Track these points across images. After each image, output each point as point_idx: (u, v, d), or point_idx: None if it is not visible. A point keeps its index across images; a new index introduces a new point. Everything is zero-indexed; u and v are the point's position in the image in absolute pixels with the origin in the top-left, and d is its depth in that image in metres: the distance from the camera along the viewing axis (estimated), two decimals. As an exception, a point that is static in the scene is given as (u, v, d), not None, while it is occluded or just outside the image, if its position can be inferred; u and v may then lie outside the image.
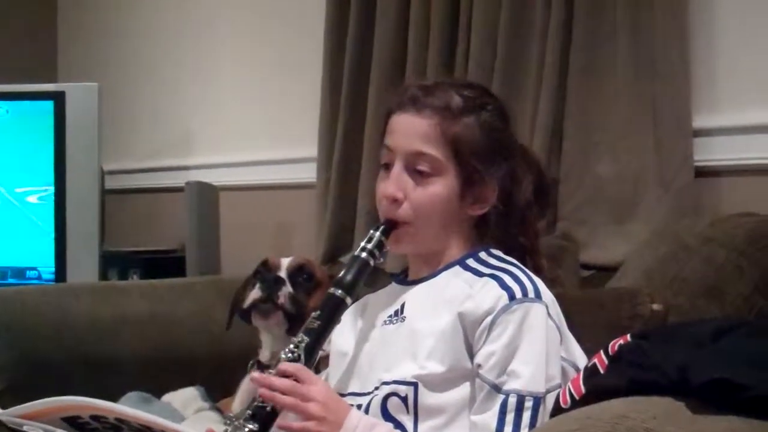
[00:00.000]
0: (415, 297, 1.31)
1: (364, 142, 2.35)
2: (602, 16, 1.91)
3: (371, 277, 1.32)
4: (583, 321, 1.37)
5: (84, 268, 2.68)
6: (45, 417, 1.20)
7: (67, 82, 2.96)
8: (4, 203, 2.80)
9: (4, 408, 1.23)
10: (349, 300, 1.28)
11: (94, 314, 2.05)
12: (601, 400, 1.03)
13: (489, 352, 1.19)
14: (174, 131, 3.23)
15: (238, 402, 1.77)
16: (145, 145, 3.34)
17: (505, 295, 1.21)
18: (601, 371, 1.13)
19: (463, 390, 1.22)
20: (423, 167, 1.28)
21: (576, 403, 1.12)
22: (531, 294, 1.22)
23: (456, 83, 1.35)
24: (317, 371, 1.29)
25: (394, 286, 1.37)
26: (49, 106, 2.73)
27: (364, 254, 1.28)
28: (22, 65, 3.50)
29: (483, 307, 1.21)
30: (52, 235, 2.72)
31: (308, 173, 2.55)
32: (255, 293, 1.72)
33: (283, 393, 1.17)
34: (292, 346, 1.23)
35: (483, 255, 1.30)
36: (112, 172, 3.12)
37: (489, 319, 1.20)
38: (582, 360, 1.26)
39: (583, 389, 1.13)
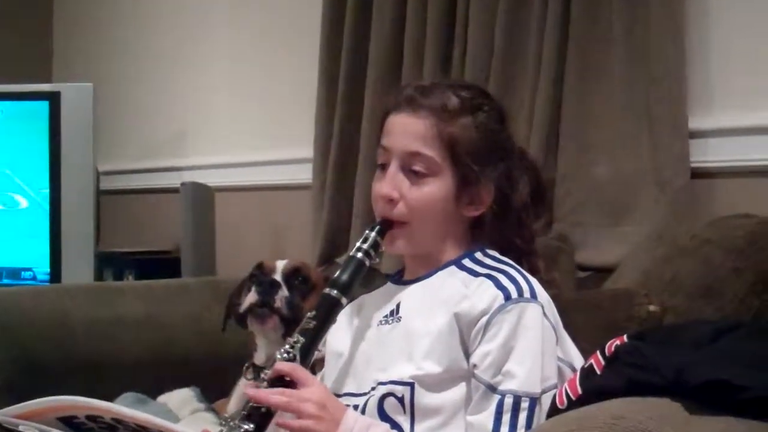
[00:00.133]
0: (410, 297, 1.31)
1: (360, 142, 2.34)
2: (598, 17, 1.91)
3: (367, 278, 1.32)
4: (580, 322, 1.37)
5: (79, 269, 2.67)
6: (41, 417, 1.19)
7: (62, 83, 2.95)
8: (-2, 203, 2.80)
9: (-1, 408, 1.23)
10: (344, 300, 1.27)
11: (89, 315, 2.04)
12: (598, 400, 1.03)
13: (484, 352, 1.19)
14: (169, 132, 3.23)
15: (233, 403, 1.76)
16: (140, 145, 3.34)
17: (500, 295, 1.21)
18: (598, 372, 1.13)
19: (460, 390, 1.22)
20: (419, 167, 1.28)
21: (572, 404, 1.12)
22: (527, 294, 1.22)
23: (453, 84, 1.36)
24: (313, 373, 1.28)
25: (389, 286, 1.37)
26: (44, 106, 2.73)
27: (359, 254, 1.28)
28: (17, 65, 3.49)
29: (479, 307, 1.21)
30: (47, 236, 2.72)
31: (304, 174, 2.54)
32: (251, 297, 1.71)
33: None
34: (287, 346, 1.23)
35: (478, 255, 1.30)
36: (107, 173, 3.11)
37: (485, 319, 1.20)
38: (578, 360, 1.26)
39: (579, 390, 1.13)
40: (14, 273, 2.80)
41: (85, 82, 2.79)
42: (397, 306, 1.31)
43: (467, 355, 1.22)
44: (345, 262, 1.30)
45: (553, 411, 1.15)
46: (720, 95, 1.81)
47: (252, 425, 1.15)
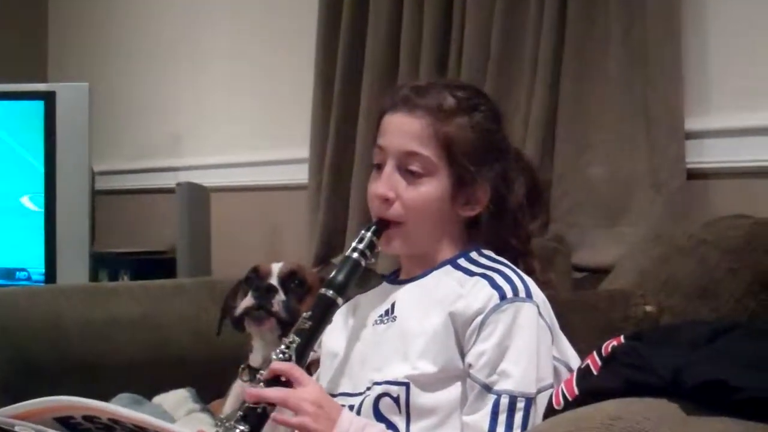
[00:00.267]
0: (405, 296, 1.31)
1: (356, 143, 2.34)
2: (595, 18, 1.91)
3: (362, 278, 1.32)
4: (576, 322, 1.37)
5: (74, 270, 2.67)
6: (37, 417, 1.19)
7: (58, 82, 2.95)
8: (-7, 204, 2.79)
9: (-5, 408, 1.23)
10: (340, 300, 1.27)
11: (84, 315, 2.04)
12: (595, 401, 1.03)
13: (479, 351, 1.19)
14: (165, 132, 3.22)
15: (229, 404, 1.76)
16: (135, 145, 3.33)
17: (495, 294, 1.21)
18: (595, 372, 1.13)
19: (455, 390, 1.22)
20: (415, 167, 1.28)
21: (569, 405, 1.11)
22: (522, 293, 1.22)
23: (449, 84, 1.35)
24: (309, 373, 1.28)
25: (384, 286, 1.37)
26: (39, 106, 2.72)
27: (355, 254, 1.28)
28: (12, 65, 3.49)
29: (474, 306, 1.21)
30: (42, 236, 2.71)
31: (300, 174, 2.54)
32: (247, 301, 1.70)
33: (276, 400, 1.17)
34: (283, 346, 1.22)
35: (474, 255, 1.30)
36: (102, 173, 3.11)
37: (480, 318, 1.20)
38: (575, 360, 1.26)
39: (576, 390, 1.13)
40: (9, 273, 2.79)
41: (81, 81, 2.78)
42: (392, 306, 1.31)
43: (462, 355, 1.22)
44: (341, 262, 1.30)
45: (550, 411, 1.14)
46: (716, 96, 1.81)
47: (247, 426, 1.15)
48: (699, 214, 1.73)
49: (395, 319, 1.29)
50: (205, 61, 3.08)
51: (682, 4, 1.81)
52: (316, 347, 1.29)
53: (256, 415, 1.16)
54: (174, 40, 3.21)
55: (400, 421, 1.22)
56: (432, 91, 1.30)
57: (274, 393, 1.16)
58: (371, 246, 1.29)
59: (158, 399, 1.88)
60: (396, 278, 1.36)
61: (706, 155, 1.79)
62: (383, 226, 1.30)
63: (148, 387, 1.89)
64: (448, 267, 1.29)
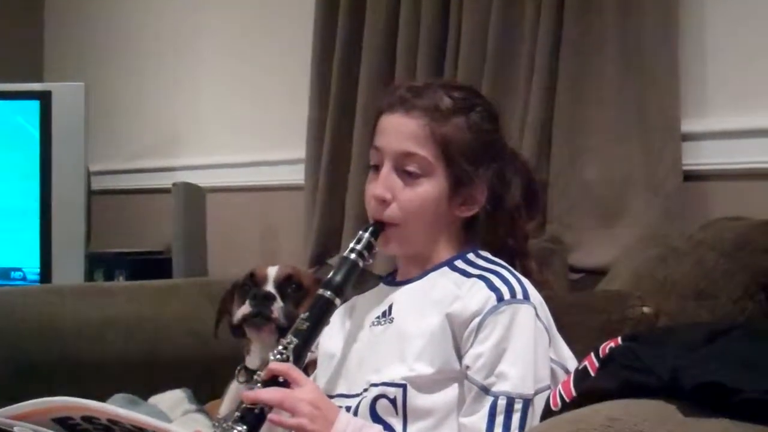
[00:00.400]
0: (402, 298, 1.31)
1: (352, 143, 2.34)
2: (591, 20, 1.91)
3: (359, 280, 1.32)
4: (573, 323, 1.37)
5: (69, 269, 2.66)
6: (36, 418, 1.19)
7: (54, 82, 2.94)
8: (-12, 203, 2.79)
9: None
10: (338, 301, 1.27)
11: (79, 315, 2.04)
12: (593, 402, 1.02)
13: (477, 353, 1.19)
14: (161, 132, 3.22)
15: (225, 405, 1.75)
16: (131, 145, 3.33)
17: (493, 296, 1.21)
18: (592, 374, 1.13)
19: (452, 392, 1.22)
20: (412, 168, 1.27)
21: (566, 406, 1.11)
22: (519, 295, 1.22)
23: (445, 84, 1.35)
24: (306, 374, 1.28)
25: (382, 287, 1.37)
26: (34, 105, 2.72)
27: (353, 255, 1.28)
28: (8, 64, 3.48)
29: (471, 308, 1.21)
30: (38, 236, 2.71)
31: (296, 175, 2.54)
32: (245, 309, 1.70)
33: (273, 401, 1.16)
34: (281, 347, 1.22)
35: (471, 256, 1.30)
36: (98, 173, 3.10)
37: (477, 320, 1.20)
38: (572, 362, 1.26)
39: (573, 392, 1.12)
40: (4, 273, 2.79)
41: (77, 81, 2.78)
42: (390, 307, 1.31)
43: (459, 356, 1.22)
44: (338, 263, 1.29)
45: (547, 413, 1.14)
46: (713, 99, 1.81)
47: (245, 426, 1.15)
48: (696, 216, 1.73)
49: (392, 321, 1.29)
50: (202, 61, 3.08)
51: (679, 6, 1.81)
52: (313, 348, 1.29)
53: (253, 415, 1.16)
54: (170, 39, 3.21)
55: (396, 423, 1.22)
56: (429, 91, 1.30)
57: (270, 394, 1.16)
58: (369, 247, 1.28)
59: (154, 399, 1.87)
60: (393, 279, 1.36)
61: (702, 157, 1.79)
62: (380, 227, 1.29)
63: (143, 387, 1.88)
64: (445, 268, 1.29)
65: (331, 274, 1.28)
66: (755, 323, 1.37)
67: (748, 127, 1.75)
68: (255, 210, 2.82)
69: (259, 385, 1.19)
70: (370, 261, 1.30)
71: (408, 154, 1.27)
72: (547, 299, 1.27)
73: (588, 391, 1.09)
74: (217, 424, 1.18)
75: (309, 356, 1.27)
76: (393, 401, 1.22)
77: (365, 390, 1.25)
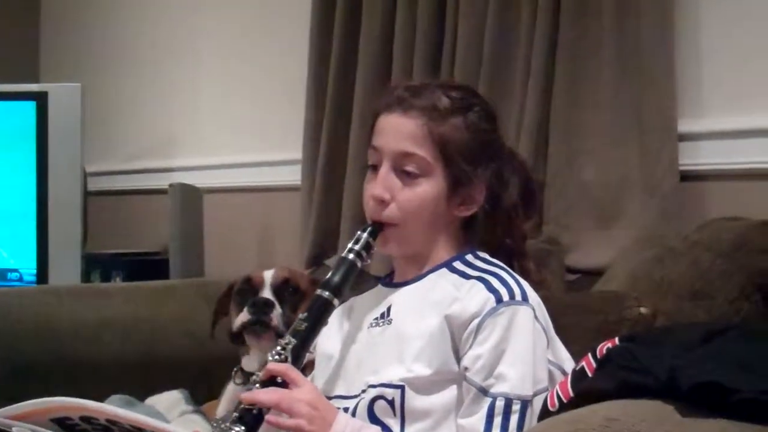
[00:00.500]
0: (401, 299, 1.31)
1: (349, 144, 2.34)
2: (588, 22, 1.91)
3: (356, 281, 1.32)
4: (571, 324, 1.37)
5: (66, 270, 2.66)
6: (34, 418, 1.19)
7: (50, 83, 2.93)
8: (-16, 204, 2.78)
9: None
10: (336, 302, 1.27)
11: (76, 316, 2.03)
12: (590, 403, 1.02)
13: (476, 355, 1.19)
14: (157, 133, 3.21)
15: (222, 406, 1.75)
16: (128, 146, 3.32)
17: (492, 297, 1.21)
18: (590, 374, 1.13)
19: (450, 393, 1.22)
20: (410, 168, 1.28)
21: (564, 406, 1.11)
22: (518, 297, 1.22)
23: (443, 84, 1.35)
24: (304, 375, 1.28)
25: (380, 289, 1.37)
26: (31, 106, 2.71)
27: (351, 255, 1.28)
28: (4, 65, 3.47)
29: (470, 309, 1.21)
30: (34, 237, 2.70)
31: (293, 176, 2.54)
32: (243, 317, 1.69)
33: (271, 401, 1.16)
34: (279, 348, 1.22)
35: (469, 257, 1.30)
36: (94, 174, 3.10)
37: (476, 321, 1.20)
38: (569, 363, 1.26)
39: (571, 392, 1.13)
40: (1, 274, 2.78)
41: (73, 82, 2.77)
42: (388, 308, 1.31)
43: (458, 358, 1.22)
44: (337, 263, 1.29)
45: (545, 413, 1.14)
46: (709, 99, 1.81)
47: (243, 427, 1.15)
48: (692, 217, 1.74)
49: (391, 322, 1.29)
50: (198, 62, 3.07)
51: (675, 7, 1.82)
52: (311, 349, 1.29)
53: (251, 416, 1.15)
54: (167, 40, 3.21)
55: (394, 424, 1.22)
56: (426, 91, 1.30)
57: (268, 395, 1.16)
58: (367, 247, 1.28)
59: (151, 400, 1.87)
60: (391, 281, 1.36)
61: (699, 157, 1.80)
62: (379, 227, 1.29)
63: (140, 388, 1.87)
64: (444, 270, 1.30)
65: (329, 274, 1.28)
66: (751, 323, 1.38)
67: (744, 128, 1.75)
68: (252, 211, 2.82)
69: (257, 385, 1.19)
70: (369, 261, 1.30)
71: (406, 154, 1.28)
72: (545, 300, 1.27)
73: (585, 392, 1.09)
74: (215, 424, 1.17)
75: (307, 357, 1.27)
76: (391, 402, 1.22)
77: (363, 391, 1.25)
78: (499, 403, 1.16)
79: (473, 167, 1.28)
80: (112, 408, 1.16)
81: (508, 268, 1.28)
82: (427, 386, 1.22)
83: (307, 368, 1.35)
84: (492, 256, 1.31)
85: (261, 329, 1.67)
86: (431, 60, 2.16)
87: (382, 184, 1.28)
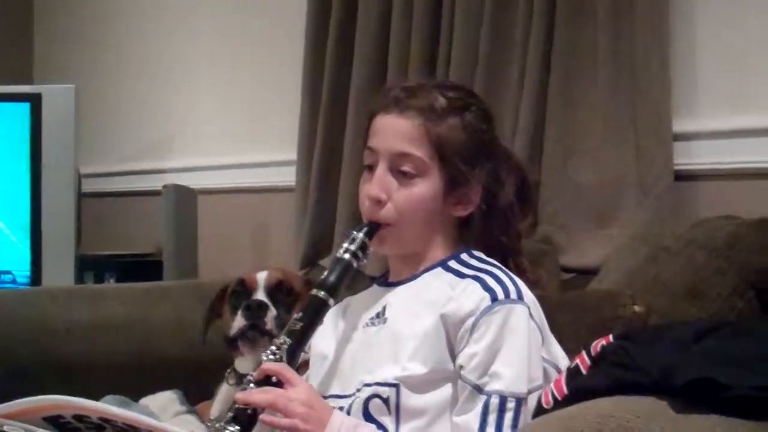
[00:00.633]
0: (396, 299, 1.31)
1: (344, 145, 2.34)
2: (583, 22, 1.92)
3: (352, 281, 1.31)
4: (565, 323, 1.37)
5: (60, 272, 2.65)
6: (26, 416, 1.18)
7: (44, 84, 2.93)
8: (-22, 206, 2.77)
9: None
10: (331, 301, 1.27)
11: (70, 318, 2.03)
12: (584, 400, 1.03)
13: (471, 353, 1.19)
14: (152, 134, 3.21)
15: (216, 407, 1.75)
16: (122, 147, 3.32)
17: (487, 296, 1.21)
18: (584, 372, 1.13)
19: (445, 391, 1.22)
20: (407, 168, 1.28)
21: (558, 404, 1.12)
22: (513, 295, 1.22)
23: (439, 84, 1.36)
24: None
25: (375, 288, 1.37)
26: (25, 108, 2.71)
27: (347, 256, 1.28)
28: (-2, 67, 3.47)
29: (465, 308, 1.21)
30: (28, 239, 2.69)
31: (287, 176, 2.54)
32: (239, 322, 1.68)
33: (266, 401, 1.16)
34: (273, 347, 1.22)
35: (464, 256, 1.30)
36: (88, 175, 3.09)
37: (471, 320, 1.20)
38: (564, 361, 1.26)
39: (565, 390, 1.13)
40: (-6, 276, 2.77)
41: (67, 83, 2.77)
42: (384, 308, 1.31)
43: (453, 357, 1.22)
44: (332, 263, 1.29)
45: (539, 411, 1.15)
46: (703, 99, 1.82)
47: (237, 427, 1.14)
48: (686, 216, 1.74)
49: (386, 322, 1.29)
50: (193, 63, 3.07)
51: (670, 8, 1.82)
52: (306, 349, 1.29)
53: (246, 415, 1.15)
54: (160, 41, 3.20)
55: (390, 423, 1.22)
56: (423, 91, 1.30)
57: (262, 396, 1.16)
58: (363, 247, 1.28)
59: (145, 401, 1.87)
60: (386, 280, 1.36)
61: (693, 157, 1.80)
62: (375, 227, 1.29)
63: (134, 389, 1.88)
64: (439, 269, 1.30)
65: (324, 274, 1.28)
66: (745, 321, 1.38)
67: (738, 127, 1.76)
68: (246, 212, 2.82)
69: (252, 385, 1.19)
70: (364, 261, 1.30)
71: (403, 154, 1.28)
72: (539, 299, 1.27)
73: (580, 389, 1.09)
74: (209, 424, 1.17)
75: (302, 357, 1.27)
76: (386, 401, 1.22)
77: (358, 390, 1.25)
78: (494, 401, 1.16)
79: (470, 167, 1.28)
80: (105, 406, 1.15)
81: (503, 267, 1.28)
82: (422, 385, 1.22)
83: (301, 369, 1.35)
84: (487, 255, 1.31)
85: (255, 336, 1.66)
86: (427, 61, 2.17)
87: (378, 184, 1.28)
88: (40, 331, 1.98)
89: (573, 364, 1.17)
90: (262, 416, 1.15)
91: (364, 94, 2.26)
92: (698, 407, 0.97)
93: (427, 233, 1.30)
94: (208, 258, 2.69)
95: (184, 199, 2.66)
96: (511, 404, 1.17)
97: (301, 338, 1.24)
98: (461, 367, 1.20)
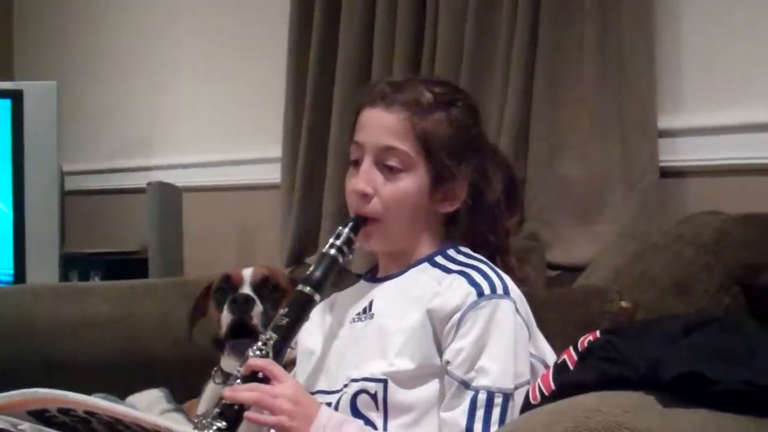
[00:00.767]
0: (383, 294, 1.30)
1: (329, 142, 2.33)
2: (569, 17, 1.92)
3: (337, 278, 1.31)
4: (552, 319, 1.37)
5: (44, 271, 2.64)
6: (11, 410, 1.18)
7: (25, 81, 2.91)
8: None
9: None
10: (317, 297, 1.26)
11: (55, 316, 2.02)
12: (572, 395, 1.03)
13: (457, 348, 1.19)
14: (135, 131, 3.19)
15: (202, 405, 1.74)
16: (105, 145, 3.30)
17: (473, 291, 1.21)
18: (571, 367, 1.13)
19: (433, 387, 1.22)
20: (393, 162, 1.27)
21: (546, 399, 1.12)
22: (499, 290, 1.22)
23: (426, 80, 1.36)
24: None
25: (362, 284, 1.37)
26: (6, 104, 2.68)
27: (332, 251, 1.27)
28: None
29: (451, 303, 1.21)
30: (11, 237, 2.68)
31: (273, 174, 2.53)
32: (226, 317, 1.67)
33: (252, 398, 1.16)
34: (260, 343, 1.21)
35: (451, 252, 1.30)
36: (71, 173, 3.07)
37: (457, 315, 1.20)
38: (551, 356, 1.26)
39: (552, 385, 1.13)
40: (-23, 275, 2.75)
41: (49, 80, 2.75)
42: (370, 303, 1.30)
43: (440, 352, 1.22)
44: (318, 258, 1.29)
45: (527, 406, 1.15)
46: (688, 95, 1.83)
47: (224, 423, 1.14)
48: (672, 212, 1.75)
49: (373, 317, 1.29)
50: (176, 60, 3.06)
51: (656, 5, 1.83)
52: (292, 345, 1.28)
53: (233, 411, 1.15)
54: (144, 37, 3.19)
55: (377, 418, 1.22)
56: (409, 86, 1.30)
57: (248, 395, 1.15)
58: (349, 242, 1.28)
59: (132, 399, 1.86)
60: (373, 276, 1.36)
61: (678, 153, 1.81)
62: (361, 222, 1.29)
63: (119, 387, 1.87)
64: (426, 265, 1.29)
65: (310, 269, 1.28)
66: (732, 316, 1.39)
67: (723, 124, 1.76)
68: (232, 209, 2.81)
69: (238, 381, 1.18)
70: (350, 257, 1.30)
71: (389, 148, 1.27)
72: (526, 295, 1.27)
73: (567, 384, 1.09)
74: (196, 420, 1.16)
75: (289, 353, 1.27)
76: (374, 396, 1.22)
77: (345, 386, 1.25)
78: (481, 397, 1.16)
79: (456, 162, 1.28)
80: (91, 399, 1.15)
81: (489, 262, 1.28)
82: (410, 380, 1.22)
83: (288, 366, 1.34)
84: (474, 251, 1.31)
85: (244, 342, 1.64)
86: (411, 57, 2.16)
87: (364, 179, 1.28)
88: (25, 329, 1.97)
89: (560, 360, 1.17)
90: (248, 414, 1.15)
91: (349, 90, 2.25)
92: (686, 402, 0.97)
93: (413, 229, 1.30)
94: (194, 255, 2.68)
95: (169, 197, 2.65)
96: (498, 399, 1.17)
97: (287, 334, 1.23)
98: (448, 362, 1.20)
